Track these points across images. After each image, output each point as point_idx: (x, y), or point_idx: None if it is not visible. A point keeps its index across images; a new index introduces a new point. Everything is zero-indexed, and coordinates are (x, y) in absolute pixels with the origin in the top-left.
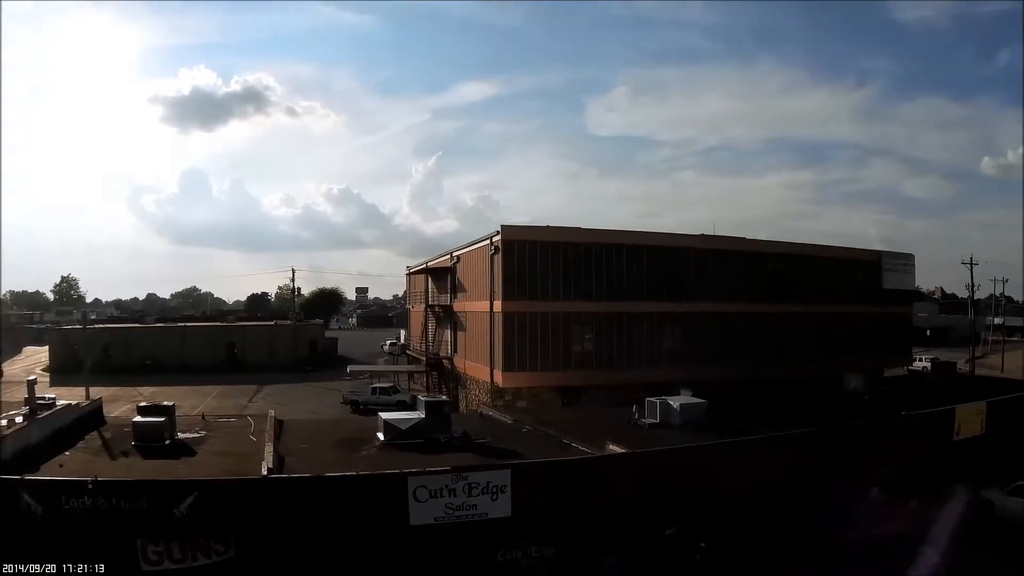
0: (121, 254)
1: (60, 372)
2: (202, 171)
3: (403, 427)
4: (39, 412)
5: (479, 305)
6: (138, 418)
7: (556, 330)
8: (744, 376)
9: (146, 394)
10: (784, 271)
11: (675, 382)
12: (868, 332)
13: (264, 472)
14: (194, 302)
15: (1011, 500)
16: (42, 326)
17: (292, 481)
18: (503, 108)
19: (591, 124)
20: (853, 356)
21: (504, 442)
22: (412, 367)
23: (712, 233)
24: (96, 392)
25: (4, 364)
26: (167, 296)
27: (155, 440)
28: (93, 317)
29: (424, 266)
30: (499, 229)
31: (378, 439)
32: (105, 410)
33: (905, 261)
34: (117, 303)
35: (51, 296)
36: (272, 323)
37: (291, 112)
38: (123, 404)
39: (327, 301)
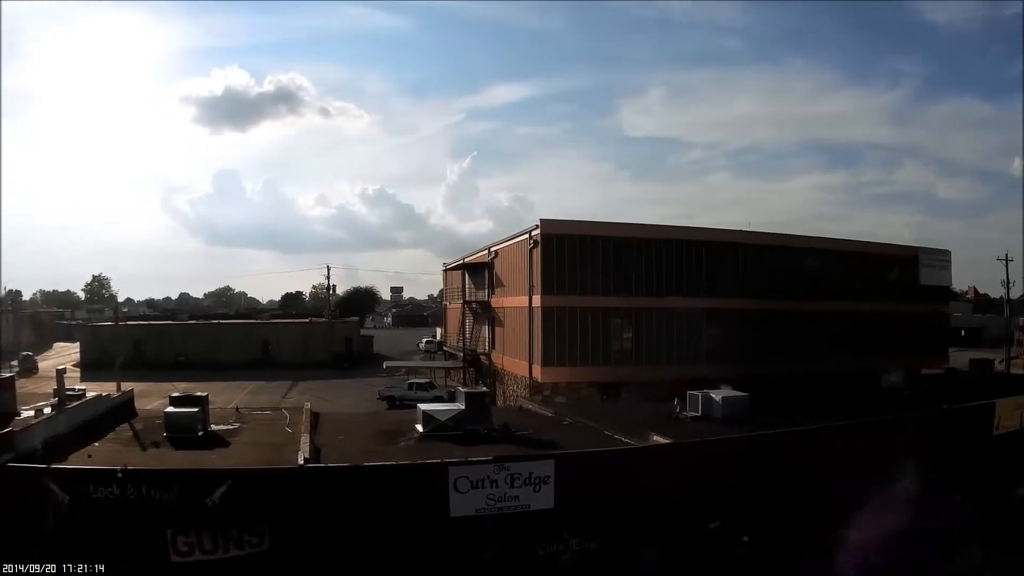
0: (154, 254)
1: (91, 368)
2: (235, 171)
3: (442, 418)
4: (68, 403)
5: (517, 300)
6: (170, 409)
7: (595, 325)
8: (782, 373)
9: (179, 389)
10: (821, 267)
11: (713, 378)
12: (905, 329)
13: (300, 462)
14: (227, 301)
15: None
16: (73, 323)
17: (329, 471)
18: (536, 110)
19: (624, 126)
20: (890, 353)
21: (545, 434)
22: (449, 363)
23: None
24: (127, 387)
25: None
26: (200, 296)
27: (187, 431)
28: (125, 311)
29: (461, 262)
30: (538, 223)
31: (417, 430)
32: (136, 404)
33: (942, 257)
34: (149, 302)
35: (82, 295)
36: (307, 320)
37: (324, 113)
38: (155, 399)
39: (362, 300)
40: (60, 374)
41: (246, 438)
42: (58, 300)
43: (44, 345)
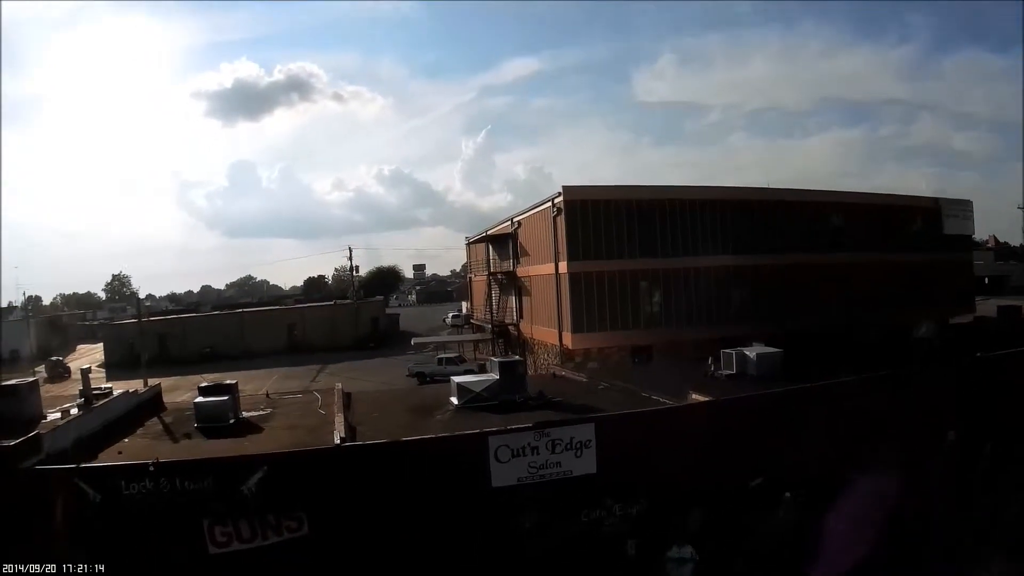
0: (173, 250)
1: (116, 367)
2: (250, 162)
3: (477, 389)
4: (94, 402)
5: (543, 268)
6: (199, 399)
7: (623, 289)
8: (811, 328)
9: (207, 380)
10: (846, 221)
11: (744, 337)
12: (931, 280)
13: (336, 442)
14: (250, 290)
15: None
16: (95, 323)
17: (367, 448)
18: (551, 82)
19: (639, 93)
20: (918, 304)
21: (581, 399)
22: (477, 336)
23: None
24: (154, 383)
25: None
26: (222, 287)
27: (218, 420)
28: (148, 305)
29: (484, 235)
30: (560, 190)
31: (452, 403)
32: (165, 398)
33: (964, 207)
34: (171, 296)
35: (103, 295)
36: (332, 303)
37: (337, 98)
38: (184, 392)
39: (385, 279)
40: (85, 373)
41: (279, 423)
42: (79, 302)
43: (67, 348)
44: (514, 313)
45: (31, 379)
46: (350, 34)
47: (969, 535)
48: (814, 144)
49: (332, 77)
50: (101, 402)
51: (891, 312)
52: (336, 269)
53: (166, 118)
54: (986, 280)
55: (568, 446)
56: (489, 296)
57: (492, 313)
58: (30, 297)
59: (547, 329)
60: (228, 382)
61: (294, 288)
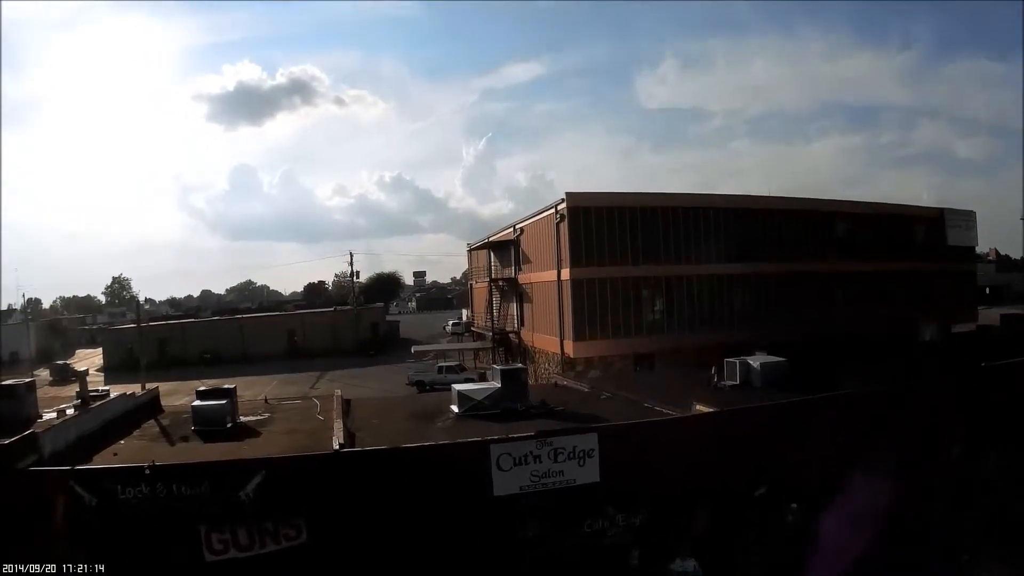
0: (173, 253)
1: (115, 371)
2: (251, 166)
3: (478, 397)
4: (91, 403)
5: (545, 275)
6: (197, 402)
7: (626, 296)
8: (815, 336)
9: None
10: (850, 229)
11: (747, 344)
12: (934, 289)
13: (335, 447)
14: (250, 295)
15: None
16: (95, 327)
17: (366, 454)
18: (552, 86)
19: (641, 98)
20: (921, 313)
21: (584, 408)
22: (477, 344)
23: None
24: (152, 387)
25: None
26: (222, 291)
27: (216, 424)
28: (147, 308)
29: (486, 241)
30: (564, 196)
31: (452, 411)
32: (164, 402)
33: (966, 218)
34: (171, 301)
35: (103, 299)
36: (332, 309)
37: (339, 102)
38: (182, 396)
39: (385, 286)
40: (82, 375)
41: (277, 427)
42: (79, 306)
43: (67, 352)
44: (515, 321)
45: (28, 379)
46: (352, 35)
47: (969, 537)
48: (816, 150)
49: (334, 80)
50: (98, 404)
51: (894, 321)
52: (336, 275)
53: (167, 121)
54: (987, 290)
55: (571, 455)
56: (490, 303)
57: (493, 320)
58: (30, 300)
59: (548, 337)
60: (226, 386)
61: (294, 294)
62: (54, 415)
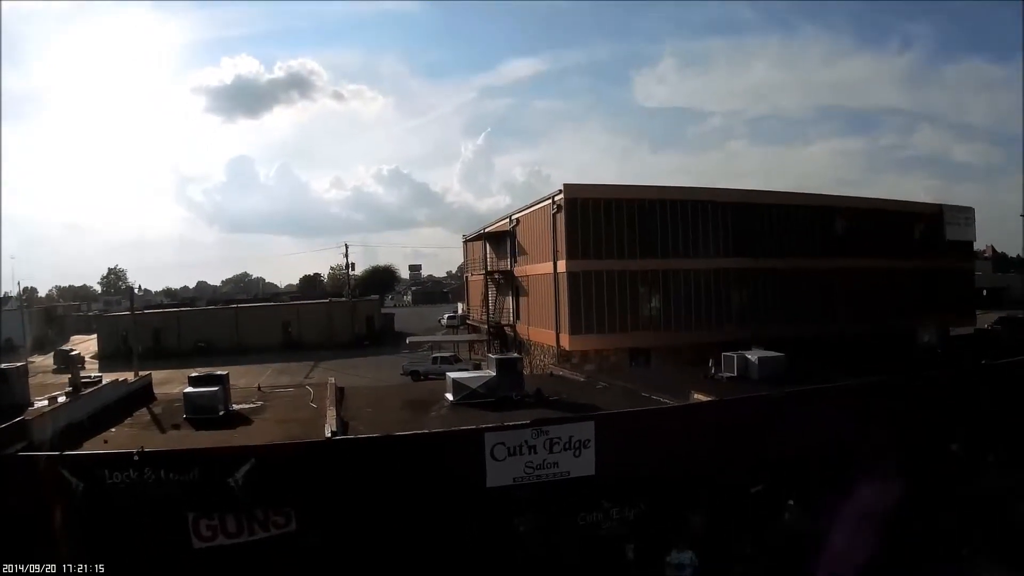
0: (170, 245)
1: (109, 359)
2: (248, 158)
3: (473, 385)
4: (83, 390)
5: (541, 268)
6: (189, 389)
7: (622, 289)
8: (813, 333)
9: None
10: (848, 226)
11: (744, 341)
12: (933, 287)
13: (327, 435)
14: (245, 287)
15: None
16: (90, 314)
17: (358, 442)
18: (551, 84)
19: (640, 96)
20: (919, 312)
21: (580, 398)
22: (472, 336)
23: None
24: (146, 375)
25: (48, 355)
26: (218, 283)
27: (208, 411)
28: (139, 294)
29: (482, 232)
30: (561, 188)
31: (447, 399)
32: (157, 390)
33: (966, 215)
34: (167, 291)
35: (99, 288)
36: (327, 300)
37: (337, 96)
38: (176, 385)
39: (381, 279)
40: (73, 361)
41: (270, 415)
42: (75, 295)
43: (62, 339)
44: (511, 313)
45: (19, 364)
46: (351, 31)
47: (970, 538)
48: (814, 152)
49: (333, 75)
50: (89, 390)
51: (893, 319)
52: (332, 267)
53: (166, 113)
54: (984, 292)
55: (567, 445)
56: (486, 296)
57: (488, 313)
58: (26, 288)
59: (544, 330)
60: (219, 373)
61: (290, 286)
62: (45, 402)
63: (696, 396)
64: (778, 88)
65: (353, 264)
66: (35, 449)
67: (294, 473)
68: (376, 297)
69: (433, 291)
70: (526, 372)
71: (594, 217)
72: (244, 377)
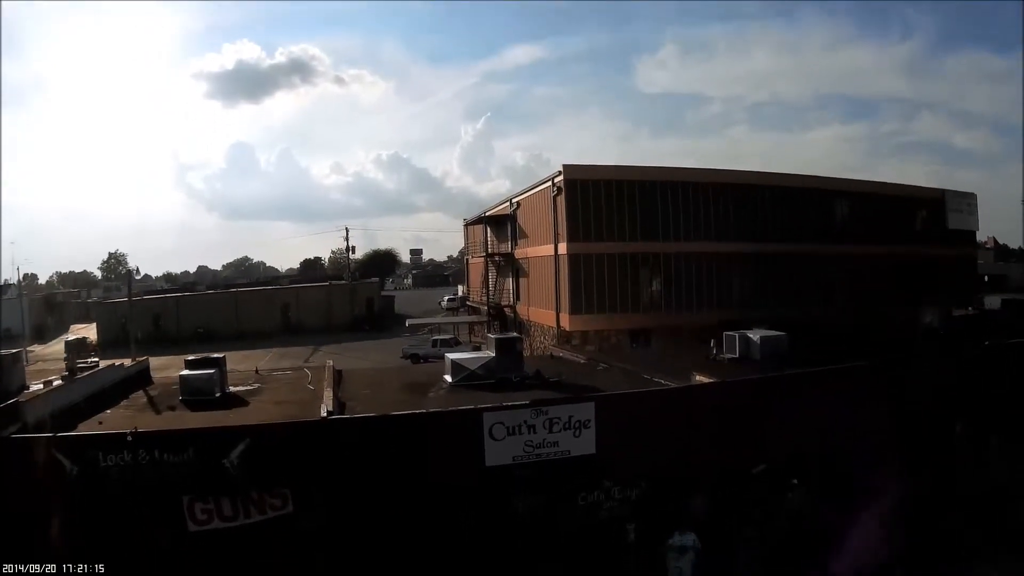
0: (171, 231)
1: (109, 346)
2: (248, 144)
3: (472, 366)
4: (79, 374)
5: (542, 250)
6: (185, 372)
7: (622, 271)
8: (813, 317)
9: None
10: (850, 210)
11: (745, 323)
12: (935, 272)
13: (323, 415)
14: (246, 271)
15: None
16: (89, 301)
17: (355, 422)
18: (552, 70)
19: (641, 83)
20: (921, 296)
21: (580, 379)
22: (473, 317)
23: None
24: (142, 359)
25: (49, 344)
26: (218, 267)
27: (204, 393)
28: (138, 279)
29: (483, 215)
30: (561, 169)
31: (445, 381)
32: (154, 375)
33: (968, 200)
34: (167, 276)
35: (99, 274)
36: (327, 283)
37: (339, 81)
38: (175, 371)
39: (382, 262)
40: (69, 345)
41: (267, 397)
42: (75, 281)
43: (62, 327)
44: (511, 295)
45: (15, 350)
46: (354, 16)
47: (976, 532)
48: (814, 139)
49: (334, 60)
50: (85, 374)
51: (894, 303)
52: (332, 251)
53: (166, 99)
54: (986, 278)
55: (567, 425)
56: (486, 278)
57: (489, 295)
58: (26, 275)
59: (545, 311)
60: (215, 356)
61: (291, 270)
62: (41, 386)
63: (697, 377)
64: (779, 75)
65: (354, 247)
66: (28, 431)
67: (289, 454)
68: (376, 280)
69: (434, 274)
70: (526, 353)
71: (594, 198)
72: (244, 361)
